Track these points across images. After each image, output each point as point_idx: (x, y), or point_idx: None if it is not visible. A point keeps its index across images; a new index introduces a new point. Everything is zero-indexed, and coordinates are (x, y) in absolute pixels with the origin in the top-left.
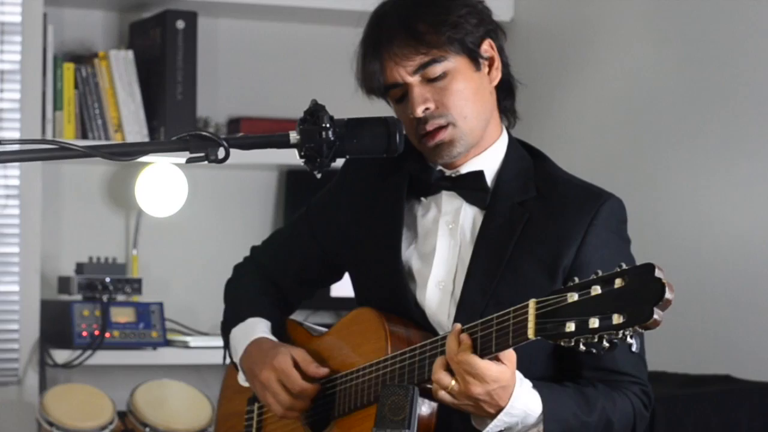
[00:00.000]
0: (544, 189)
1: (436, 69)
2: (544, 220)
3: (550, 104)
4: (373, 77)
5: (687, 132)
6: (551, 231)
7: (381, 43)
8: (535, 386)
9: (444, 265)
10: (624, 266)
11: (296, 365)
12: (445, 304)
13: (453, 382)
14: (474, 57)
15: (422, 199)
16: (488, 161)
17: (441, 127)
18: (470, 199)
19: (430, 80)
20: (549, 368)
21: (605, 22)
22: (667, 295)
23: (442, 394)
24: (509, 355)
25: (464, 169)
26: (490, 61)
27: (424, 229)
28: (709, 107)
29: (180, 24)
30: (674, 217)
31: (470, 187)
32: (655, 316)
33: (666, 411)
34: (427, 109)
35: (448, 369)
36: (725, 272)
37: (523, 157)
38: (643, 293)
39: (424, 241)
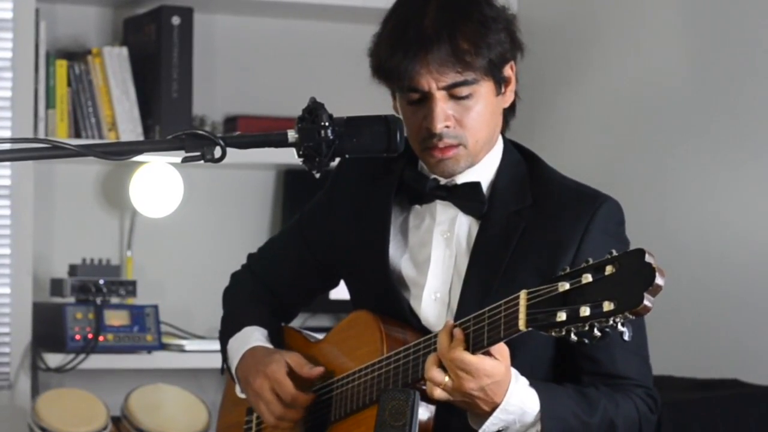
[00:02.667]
0: (540, 195)
1: (465, 90)
2: (541, 228)
3: (555, 103)
4: (397, 74)
5: (696, 131)
6: (547, 239)
7: (421, 47)
8: (531, 384)
9: (439, 275)
10: (614, 253)
11: (291, 372)
12: (442, 316)
13: (446, 378)
14: (498, 81)
15: (416, 206)
16: (484, 171)
17: (452, 146)
18: (466, 209)
19: (454, 97)
20: (550, 377)
21: (612, 18)
22: (658, 280)
23: (438, 392)
24: (501, 350)
25: (460, 180)
26: (507, 82)
27: (419, 238)
28: (719, 106)
29: (175, 20)
30: (682, 218)
31: (466, 197)
32: (645, 302)
33: (673, 416)
34: (447, 126)
35: (441, 366)
36: (733, 274)
37: (517, 161)
38: (633, 279)
39: (419, 250)
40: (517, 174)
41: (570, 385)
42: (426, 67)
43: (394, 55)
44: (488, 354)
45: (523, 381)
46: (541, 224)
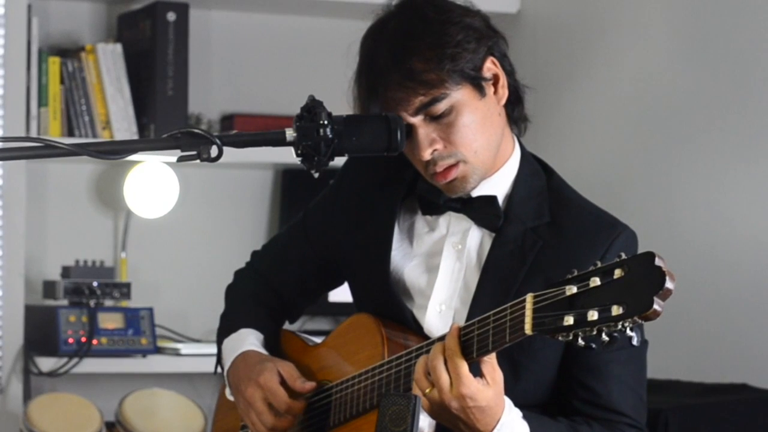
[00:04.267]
0: (558, 214)
1: (439, 107)
2: (557, 249)
3: (559, 102)
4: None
5: (703, 131)
6: (563, 261)
7: (376, 85)
8: (525, 417)
9: (447, 288)
10: (623, 256)
11: (282, 382)
12: (447, 330)
13: (428, 389)
14: (477, 83)
15: (427, 216)
16: (500, 184)
17: (451, 166)
18: (480, 222)
19: (434, 117)
20: (547, 400)
21: (617, 14)
22: (668, 284)
23: (423, 400)
24: (494, 376)
25: (475, 193)
26: (495, 80)
27: (428, 248)
28: (727, 105)
29: (171, 16)
30: (689, 219)
31: (481, 210)
32: (655, 306)
33: (680, 421)
34: (435, 150)
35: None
36: (742, 276)
37: (536, 173)
38: (642, 283)
39: (427, 260)
40: (534, 187)
41: (564, 420)
42: (388, 102)
43: (361, 98)
44: (481, 376)
45: (517, 413)
46: (557, 245)
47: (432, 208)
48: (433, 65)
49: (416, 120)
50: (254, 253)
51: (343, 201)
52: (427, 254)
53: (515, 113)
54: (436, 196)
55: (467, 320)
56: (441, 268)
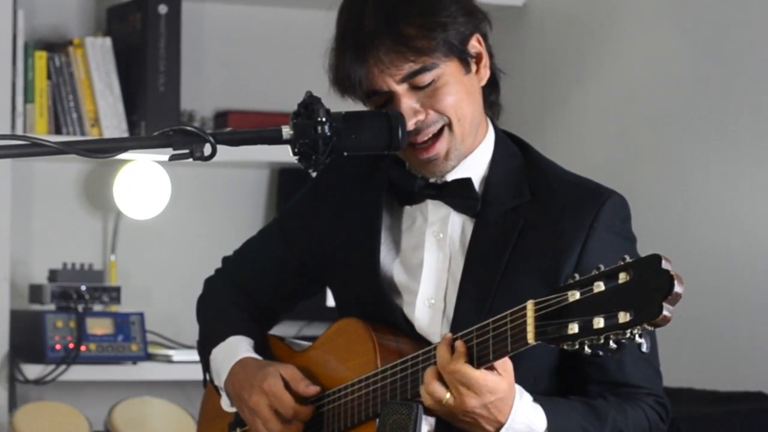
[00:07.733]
0: (538, 190)
1: (426, 77)
2: (541, 226)
3: (567, 97)
4: (353, 82)
5: (715, 127)
6: (549, 238)
7: (365, 47)
8: (536, 400)
9: (433, 280)
10: (628, 259)
11: (287, 385)
12: (437, 324)
13: (447, 395)
14: (464, 58)
15: (406, 207)
16: (476, 165)
17: (436, 137)
18: (458, 207)
19: (418, 87)
20: (554, 387)
21: (626, 6)
22: (677, 288)
23: (436, 409)
24: (505, 365)
25: (450, 177)
26: (478, 58)
27: (410, 241)
28: (740, 100)
29: (162, 9)
30: (701, 219)
31: (458, 194)
32: (665, 312)
33: (694, 430)
34: (418, 121)
35: (441, 380)
36: (757, 280)
37: (512, 153)
38: (650, 288)
39: (411, 254)
40: (512, 167)
41: (576, 397)
42: (376, 66)
43: (343, 63)
44: (491, 369)
45: (528, 397)
46: (541, 222)
47: (408, 198)
48: (425, 32)
49: (400, 89)
50: (225, 260)
51: (322, 201)
52: (411, 247)
53: (492, 97)
54: (411, 184)
55: (456, 311)
56: (425, 260)
